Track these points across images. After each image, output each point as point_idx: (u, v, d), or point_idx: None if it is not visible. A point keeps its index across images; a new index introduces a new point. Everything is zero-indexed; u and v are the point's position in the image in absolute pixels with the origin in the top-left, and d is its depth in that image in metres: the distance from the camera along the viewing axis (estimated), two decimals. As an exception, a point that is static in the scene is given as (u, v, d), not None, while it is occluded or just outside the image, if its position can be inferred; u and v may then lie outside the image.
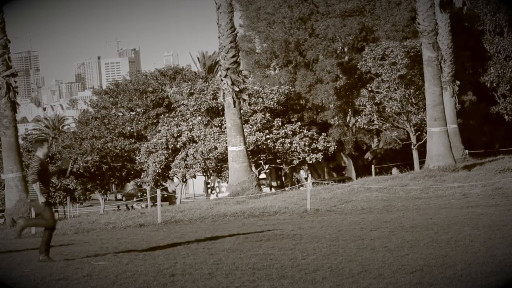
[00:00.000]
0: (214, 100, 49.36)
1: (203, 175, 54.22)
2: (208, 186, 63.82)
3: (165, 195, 55.15)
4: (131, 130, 60.63)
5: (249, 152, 38.93)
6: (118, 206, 67.01)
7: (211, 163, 48.38)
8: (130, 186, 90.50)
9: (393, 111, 47.15)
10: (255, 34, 55.23)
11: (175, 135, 50.25)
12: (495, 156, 44.04)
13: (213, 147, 47.53)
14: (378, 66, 46.67)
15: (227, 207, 26.28)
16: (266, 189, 54.41)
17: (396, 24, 51.69)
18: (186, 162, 48.79)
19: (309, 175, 45.39)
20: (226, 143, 38.23)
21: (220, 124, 49.18)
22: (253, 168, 43.37)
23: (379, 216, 20.82)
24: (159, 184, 53.89)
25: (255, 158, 48.41)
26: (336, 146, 51.79)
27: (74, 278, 12.10)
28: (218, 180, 59.22)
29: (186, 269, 12.48)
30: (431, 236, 15.28)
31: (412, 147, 47.95)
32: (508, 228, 15.99)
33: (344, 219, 20.76)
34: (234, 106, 34.22)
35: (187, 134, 49.34)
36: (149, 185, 55.63)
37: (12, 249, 17.64)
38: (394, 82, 46.70)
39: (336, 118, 52.94)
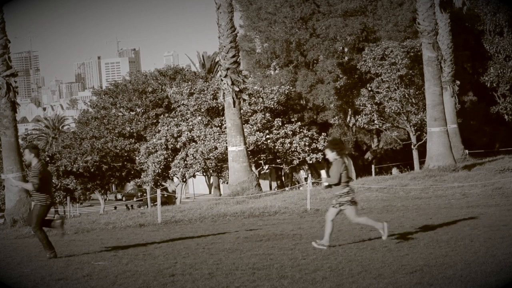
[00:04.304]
0: (214, 100, 49.36)
1: (203, 174, 54.23)
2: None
3: (165, 195, 55.14)
4: (131, 130, 60.64)
5: (249, 152, 38.92)
6: (115, 207, 66.98)
7: (211, 163, 48.39)
8: (130, 186, 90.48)
9: (392, 111, 47.16)
10: (255, 34, 55.18)
11: (175, 135, 50.25)
12: (495, 156, 44.04)
13: (213, 147, 47.53)
14: (377, 66, 46.68)
15: (227, 207, 26.27)
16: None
17: (398, 25, 51.68)
18: (186, 162, 48.79)
19: (309, 175, 45.39)
20: (226, 143, 38.22)
21: (220, 124, 49.17)
22: (253, 168, 43.36)
23: (379, 216, 20.80)
24: (159, 184, 53.87)
25: (255, 158, 48.41)
26: (336, 146, 51.71)
27: (74, 278, 12.10)
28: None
29: (186, 269, 12.48)
30: (431, 236, 15.28)
31: (412, 147, 47.95)
32: (508, 228, 15.98)
33: (344, 219, 20.71)
34: (234, 106, 34.21)
35: (187, 134, 49.34)
36: (149, 185, 55.62)
37: (12, 249, 17.64)
38: (394, 82, 46.70)
39: (337, 118, 52.94)
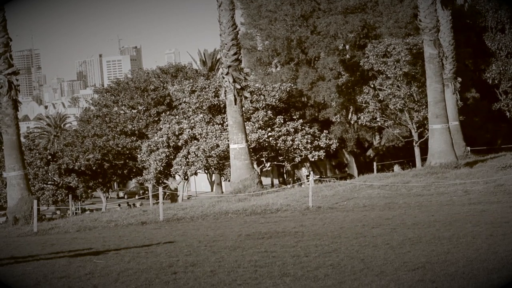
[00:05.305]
0: (216, 98, 49.35)
1: (205, 172, 54.22)
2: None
3: (167, 193, 55.16)
4: (133, 128, 60.63)
5: (251, 150, 38.92)
6: (119, 204, 67.03)
7: (213, 161, 48.40)
8: (132, 184, 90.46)
9: (397, 108, 47.14)
10: (256, 31, 55.15)
11: (177, 133, 50.25)
12: (497, 153, 44.00)
13: (215, 144, 47.51)
14: (380, 63, 46.63)
15: (229, 205, 26.27)
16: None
17: (399, 21, 51.61)
18: (187, 159, 48.80)
19: (311, 172, 45.39)
20: (228, 140, 38.21)
21: (222, 122, 49.18)
22: (255, 166, 43.35)
23: (381, 213, 20.81)
24: (160, 182, 53.88)
25: (257, 156, 48.40)
26: (338, 144, 51.79)
27: (76, 276, 12.11)
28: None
29: (188, 266, 12.49)
30: (433, 233, 15.29)
31: (414, 144, 47.93)
32: (510, 225, 15.98)
33: (346, 216, 20.76)
34: (236, 104, 34.21)
35: (189, 131, 49.34)
36: (150, 183, 55.64)
37: (14, 247, 17.66)
38: (398, 79, 46.65)
39: (338, 115, 52.94)
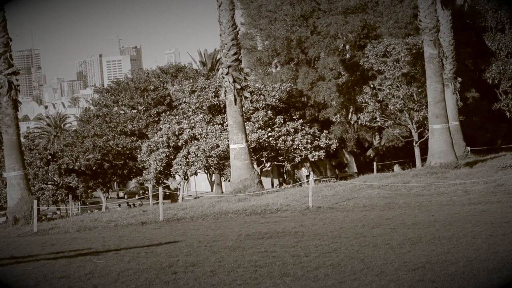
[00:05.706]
0: (216, 98, 49.36)
1: (205, 172, 54.22)
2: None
3: (167, 193, 55.13)
4: (133, 128, 60.65)
5: (251, 150, 38.93)
6: (119, 205, 67.08)
7: (213, 161, 48.40)
8: (132, 184, 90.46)
9: (396, 109, 47.13)
10: (256, 31, 55.15)
11: (177, 133, 50.26)
12: (497, 153, 43.99)
13: (215, 144, 47.52)
14: (380, 63, 46.63)
15: (229, 205, 26.27)
16: None
17: (398, 21, 51.63)
18: (187, 159, 48.82)
19: (311, 172, 45.37)
20: (228, 140, 38.22)
21: (222, 122, 49.18)
22: (255, 166, 43.36)
23: (381, 213, 20.81)
24: (160, 182, 53.90)
25: (257, 156, 48.42)
26: (338, 144, 51.80)
27: (76, 276, 12.11)
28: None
29: (188, 266, 12.50)
30: (433, 233, 15.29)
31: (414, 144, 47.93)
32: (510, 225, 15.98)
33: (346, 216, 20.76)
34: (236, 104, 34.21)
35: (189, 132, 49.36)
36: (150, 183, 55.65)
37: (14, 247, 17.65)
38: (397, 80, 46.65)
39: (338, 115, 52.95)
